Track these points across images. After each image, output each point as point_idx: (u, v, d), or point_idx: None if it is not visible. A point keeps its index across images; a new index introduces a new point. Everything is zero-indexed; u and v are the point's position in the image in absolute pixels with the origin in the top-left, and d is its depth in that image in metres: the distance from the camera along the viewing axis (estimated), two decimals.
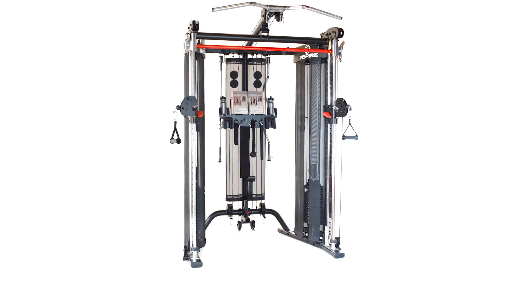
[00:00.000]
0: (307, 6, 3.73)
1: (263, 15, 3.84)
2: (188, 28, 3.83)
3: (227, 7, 3.66)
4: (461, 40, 6.35)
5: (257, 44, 4.44)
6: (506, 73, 6.34)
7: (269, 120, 4.48)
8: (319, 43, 4.24)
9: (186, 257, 3.99)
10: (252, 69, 4.75)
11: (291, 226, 4.85)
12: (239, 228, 4.78)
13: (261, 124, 4.47)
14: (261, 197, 4.83)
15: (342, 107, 4.04)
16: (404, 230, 4.93)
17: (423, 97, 6.47)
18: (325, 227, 4.35)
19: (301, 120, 4.64)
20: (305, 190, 4.52)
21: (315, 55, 4.32)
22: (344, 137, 4.04)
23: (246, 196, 4.79)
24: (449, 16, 6.33)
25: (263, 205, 4.79)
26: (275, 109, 4.54)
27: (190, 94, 3.85)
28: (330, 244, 4.25)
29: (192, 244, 3.95)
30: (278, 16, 3.82)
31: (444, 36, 6.40)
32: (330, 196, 4.28)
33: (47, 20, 5.92)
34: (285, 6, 3.78)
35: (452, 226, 5.03)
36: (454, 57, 6.38)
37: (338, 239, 4.22)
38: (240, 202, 4.82)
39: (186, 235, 4.18)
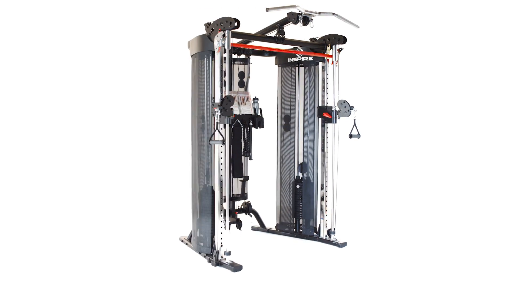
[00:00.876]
0: (335, 14, 3.97)
1: (294, 18, 3.94)
2: (220, 24, 3.70)
3: (279, 8, 3.69)
4: (456, 41, 6.61)
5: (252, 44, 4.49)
6: (502, 73, 6.49)
7: (258, 120, 4.55)
8: (318, 47, 4.49)
9: (218, 262, 3.85)
10: (236, 68, 4.74)
11: (267, 222, 5.01)
12: (229, 228, 4.73)
13: (250, 124, 4.52)
14: (244, 196, 4.86)
15: (346, 108, 4.39)
16: (395, 221, 5.32)
17: (413, 97, 6.74)
18: (322, 220, 4.64)
19: (286, 120, 4.84)
20: (297, 186, 4.74)
21: (310, 58, 4.58)
22: (351, 136, 4.40)
23: (232, 196, 4.76)
24: (444, 17, 6.59)
25: (249, 204, 4.83)
26: (260, 109, 4.63)
27: (227, 94, 3.74)
28: (328, 236, 4.56)
29: (224, 248, 3.85)
30: (307, 20, 3.97)
31: (438, 37, 6.66)
32: (326, 191, 4.59)
33: (63, 25, 6.39)
34: (316, 12, 3.94)
35: (447, 221, 5.33)
36: (448, 58, 6.63)
37: (334, 229, 4.57)
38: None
39: (200, 239, 4.05)
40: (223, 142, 3.64)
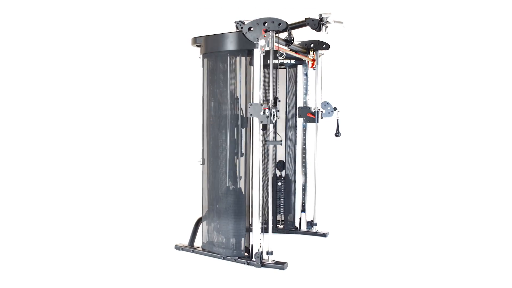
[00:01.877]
0: (341, 22, 4.34)
1: (314, 24, 4.17)
2: (264, 24, 3.72)
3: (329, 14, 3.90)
4: (436, 41, 6.64)
5: None
6: (483, 74, 6.57)
7: (245, 120, 4.63)
8: (301, 51, 4.78)
9: (262, 263, 3.87)
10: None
11: None
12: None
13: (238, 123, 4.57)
14: None
15: (330, 109, 4.81)
16: (371, 210, 5.72)
17: (391, 97, 6.77)
18: (303, 214, 4.95)
19: None
20: (279, 184, 4.94)
21: (292, 61, 4.85)
22: (336, 135, 4.83)
23: None
24: (424, 18, 6.59)
25: None
26: (242, 108, 4.72)
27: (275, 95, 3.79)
28: (310, 228, 4.92)
29: (266, 248, 3.90)
30: (321, 27, 4.24)
31: (418, 38, 6.66)
32: (306, 187, 4.93)
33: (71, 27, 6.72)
34: (331, 20, 4.24)
35: (428, 215, 5.60)
36: (428, 57, 6.66)
37: (312, 221, 4.96)
38: None
39: (220, 244, 4.00)
40: (281, 142, 3.68)
